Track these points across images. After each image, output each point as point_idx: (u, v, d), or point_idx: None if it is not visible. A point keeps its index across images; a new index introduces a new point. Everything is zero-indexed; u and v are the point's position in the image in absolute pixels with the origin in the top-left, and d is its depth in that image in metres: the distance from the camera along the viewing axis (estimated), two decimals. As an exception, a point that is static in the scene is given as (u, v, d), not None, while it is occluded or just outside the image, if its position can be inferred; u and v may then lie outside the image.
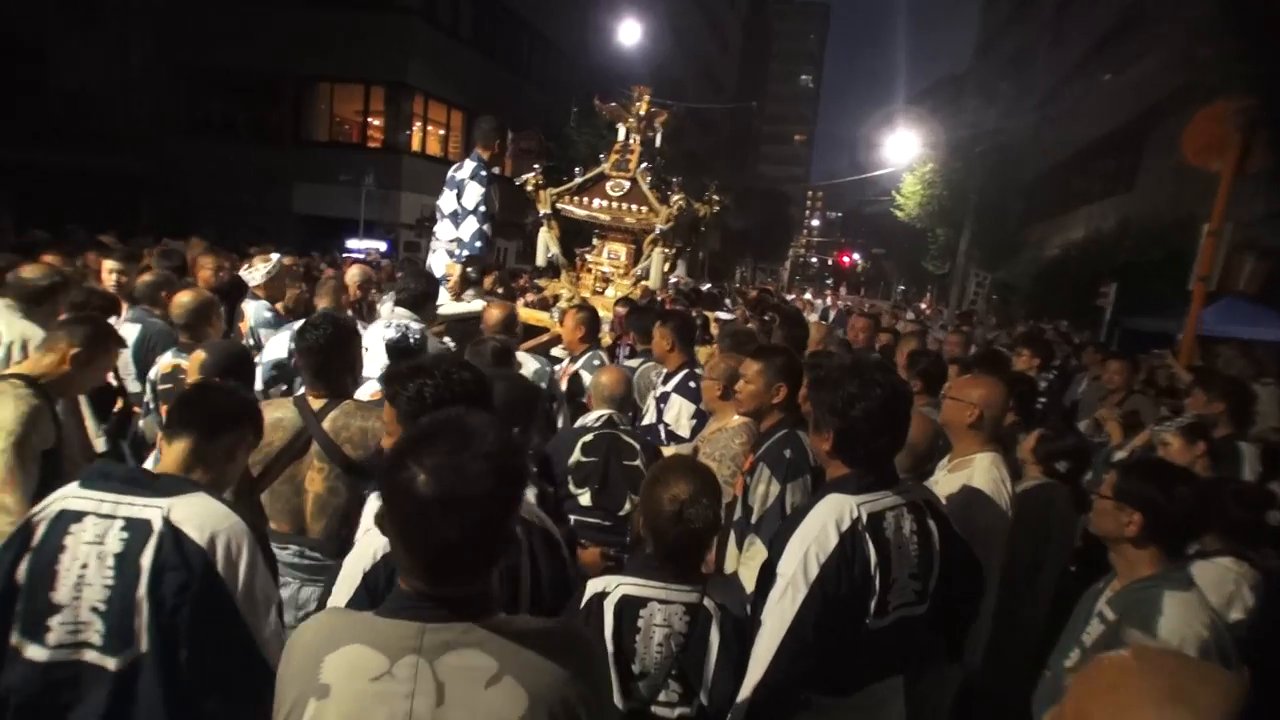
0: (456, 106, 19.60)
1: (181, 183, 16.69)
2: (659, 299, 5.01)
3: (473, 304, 4.59)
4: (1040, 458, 2.94)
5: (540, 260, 5.18)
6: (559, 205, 4.71)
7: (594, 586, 1.63)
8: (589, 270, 4.92)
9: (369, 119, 18.39)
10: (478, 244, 4.49)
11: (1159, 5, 14.36)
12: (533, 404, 2.30)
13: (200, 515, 1.42)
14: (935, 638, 1.96)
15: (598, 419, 2.71)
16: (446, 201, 4.58)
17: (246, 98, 18.58)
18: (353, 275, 4.84)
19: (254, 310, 3.92)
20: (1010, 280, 18.88)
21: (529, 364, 3.37)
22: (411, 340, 2.95)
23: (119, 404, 3.16)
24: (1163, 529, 1.76)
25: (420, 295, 3.61)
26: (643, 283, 4.65)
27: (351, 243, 15.53)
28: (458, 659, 0.98)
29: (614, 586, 1.61)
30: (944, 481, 2.40)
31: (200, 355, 2.36)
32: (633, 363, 3.79)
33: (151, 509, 1.39)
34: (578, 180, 4.73)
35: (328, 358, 2.12)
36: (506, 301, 4.34)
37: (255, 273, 4.23)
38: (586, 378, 3.27)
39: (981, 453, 2.44)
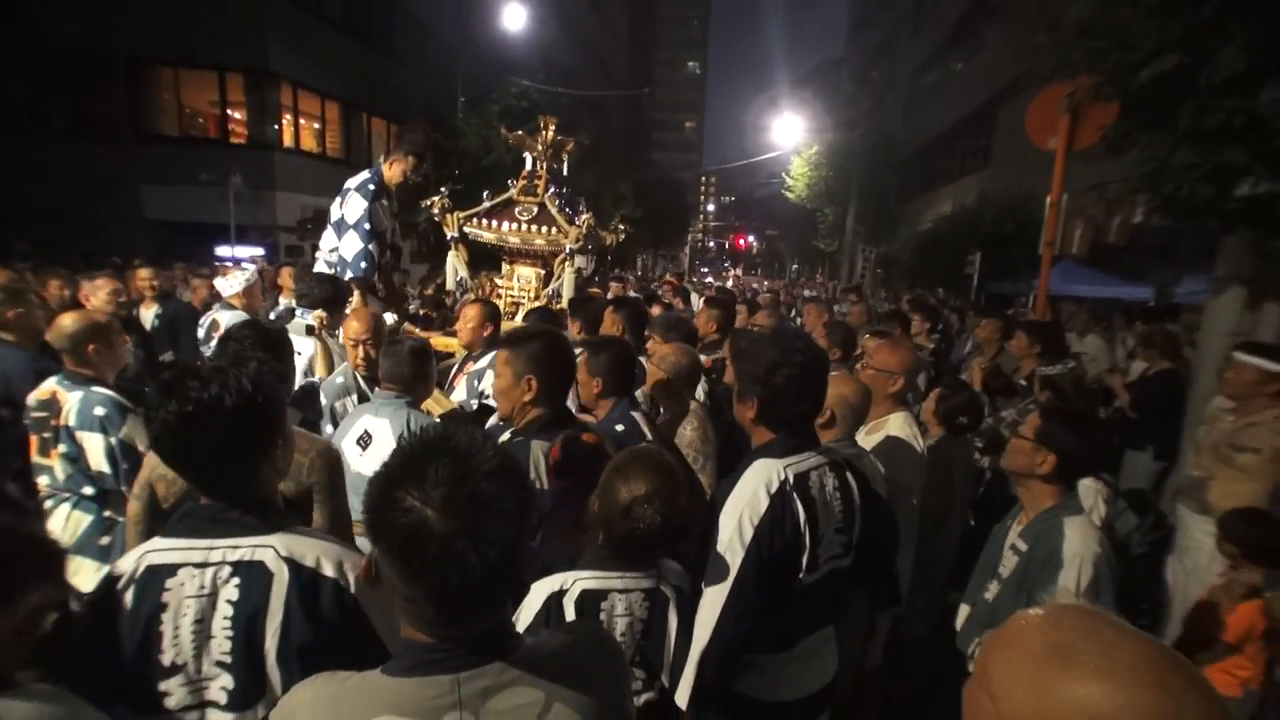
0: (331, 97, 18.17)
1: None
2: None
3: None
4: (942, 415, 3.25)
5: (450, 284, 4.97)
6: (466, 229, 4.62)
7: (550, 585, 1.59)
8: (499, 296, 4.85)
9: (228, 111, 16.40)
10: (362, 264, 4.18)
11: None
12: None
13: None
14: (865, 590, 2.09)
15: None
16: (334, 209, 4.31)
17: (62, 83, 15.14)
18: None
19: (229, 321, 3.80)
20: (892, 254, 20.26)
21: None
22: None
23: None
24: (1070, 468, 2.01)
25: (327, 299, 3.39)
26: (555, 304, 4.62)
27: (222, 250, 13.91)
28: (502, 702, 0.91)
29: (571, 583, 1.59)
30: (863, 442, 2.57)
31: None
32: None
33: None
34: (486, 205, 4.66)
35: None
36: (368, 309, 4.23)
37: (231, 281, 4.18)
38: (490, 379, 3.08)
39: (894, 413, 2.69)
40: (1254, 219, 3.67)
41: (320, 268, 4.32)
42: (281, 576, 1.23)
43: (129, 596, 1.21)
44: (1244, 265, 4.18)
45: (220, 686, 1.22)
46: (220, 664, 1.22)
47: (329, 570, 1.25)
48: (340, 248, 4.22)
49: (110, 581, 1.23)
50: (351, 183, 4.30)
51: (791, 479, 1.67)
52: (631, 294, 8.50)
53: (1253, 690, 2.41)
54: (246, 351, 1.95)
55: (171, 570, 1.22)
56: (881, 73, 26.56)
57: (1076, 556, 1.84)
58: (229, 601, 1.22)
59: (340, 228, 4.22)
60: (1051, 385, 3.80)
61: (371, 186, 4.22)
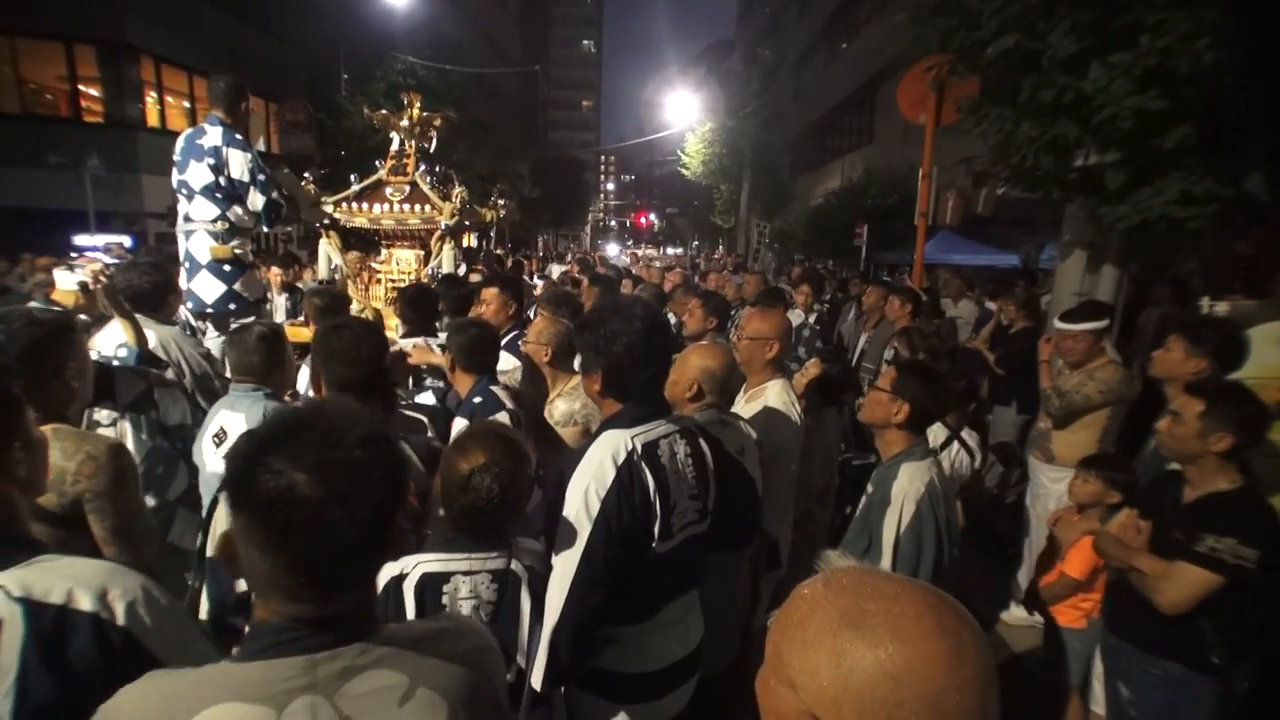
0: (200, 73, 16.39)
1: None
2: None
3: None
4: (818, 386, 3.33)
5: (323, 272, 4.76)
6: (337, 214, 4.45)
7: (388, 570, 1.51)
8: (378, 281, 4.70)
9: (79, 86, 14.69)
10: (273, 214, 4.12)
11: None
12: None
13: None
14: (748, 557, 2.13)
15: None
16: (197, 175, 3.92)
17: None
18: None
19: None
20: (786, 228, 20.95)
21: None
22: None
23: None
24: (920, 417, 2.14)
25: (151, 291, 3.04)
26: (435, 284, 4.57)
27: (81, 239, 12.39)
28: (362, 685, 0.84)
29: (412, 566, 1.53)
30: (742, 410, 2.60)
31: None
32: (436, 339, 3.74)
33: None
34: (355, 188, 4.52)
35: (33, 369, 1.63)
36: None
37: (69, 276, 3.73)
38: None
39: (772, 380, 2.73)
40: (1087, 188, 4.05)
41: (203, 239, 3.96)
42: (14, 623, 0.99)
43: None
44: (1083, 231, 4.61)
45: None
46: None
47: (85, 603, 1.02)
48: (250, 205, 4.04)
49: None
50: (208, 139, 3.96)
51: (639, 448, 1.64)
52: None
53: (1095, 620, 2.62)
54: None
55: None
56: (771, 52, 27.18)
57: (900, 495, 1.97)
58: None
59: (241, 187, 4.01)
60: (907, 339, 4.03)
61: (239, 136, 4.02)
